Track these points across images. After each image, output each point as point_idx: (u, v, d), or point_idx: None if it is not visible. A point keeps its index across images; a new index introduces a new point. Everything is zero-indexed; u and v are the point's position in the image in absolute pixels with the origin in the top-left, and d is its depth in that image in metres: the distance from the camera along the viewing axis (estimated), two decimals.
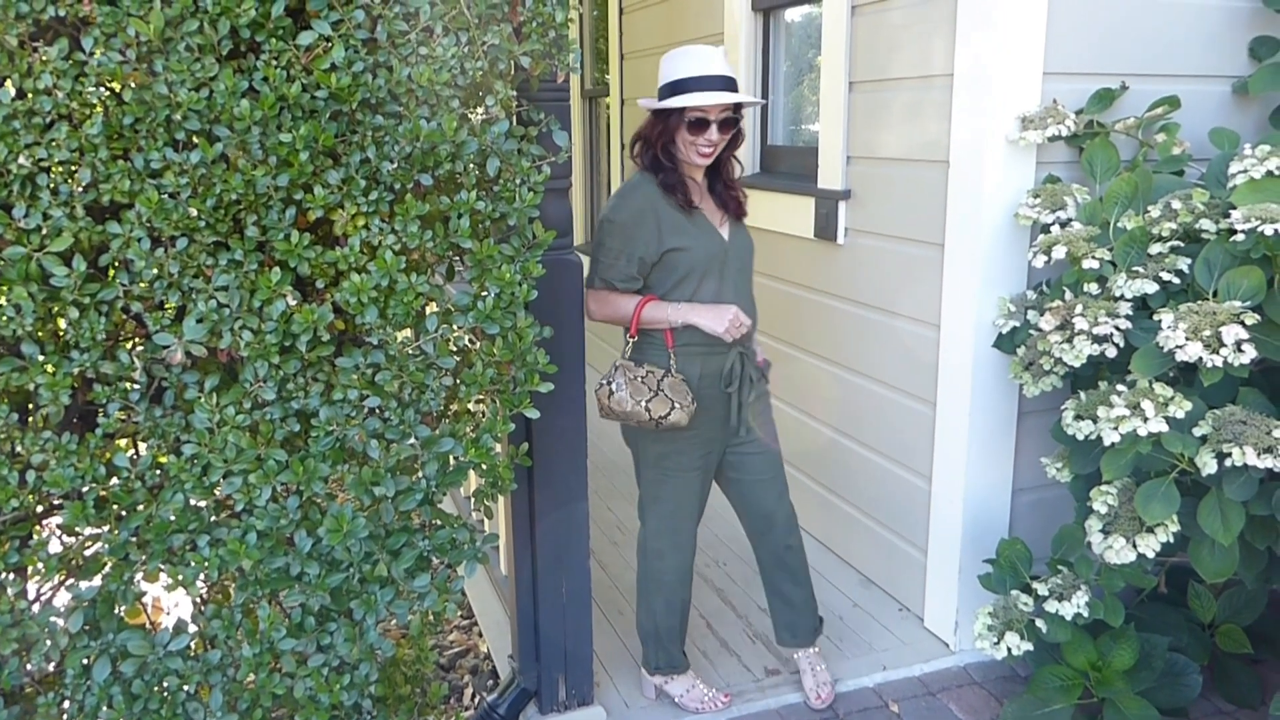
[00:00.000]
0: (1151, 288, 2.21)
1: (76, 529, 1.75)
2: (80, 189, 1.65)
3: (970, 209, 2.66)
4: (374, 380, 1.78)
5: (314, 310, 1.72)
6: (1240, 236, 2.05)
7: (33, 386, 1.66)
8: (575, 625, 2.49)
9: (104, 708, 1.73)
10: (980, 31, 2.58)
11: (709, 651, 2.95)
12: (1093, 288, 2.33)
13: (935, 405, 2.88)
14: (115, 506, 1.74)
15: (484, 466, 1.90)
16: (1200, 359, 1.97)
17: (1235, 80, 2.80)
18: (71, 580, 1.81)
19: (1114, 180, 2.45)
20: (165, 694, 1.77)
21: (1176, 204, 2.30)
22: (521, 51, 1.87)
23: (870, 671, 2.83)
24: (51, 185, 1.64)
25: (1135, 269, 2.28)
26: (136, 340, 1.82)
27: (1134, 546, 2.15)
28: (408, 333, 1.84)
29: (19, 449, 1.68)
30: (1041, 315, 2.36)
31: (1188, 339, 1.99)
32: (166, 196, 1.65)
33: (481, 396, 1.94)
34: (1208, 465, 2.01)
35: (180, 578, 1.74)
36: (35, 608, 1.79)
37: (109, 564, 1.76)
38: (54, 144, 1.62)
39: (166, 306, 1.73)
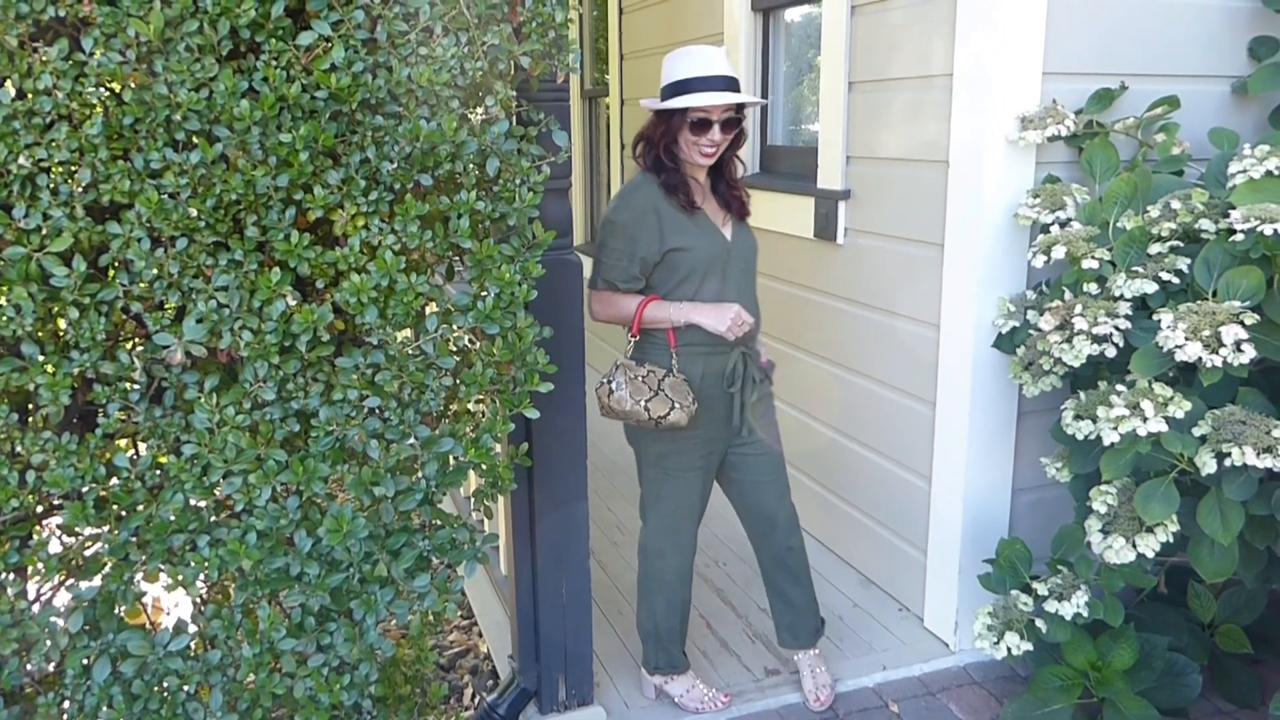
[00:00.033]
0: (1151, 288, 2.21)
1: (76, 529, 1.75)
2: (80, 189, 1.65)
3: (970, 209, 2.66)
4: (374, 380, 1.78)
5: (314, 310, 1.72)
6: (1239, 236, 2.06)
7: (33, 387, 1.66)
8: (575, 625, 2.49)
9: (104, 708, 1.73)
10: (980, 31, 2.58)
11: (709, 651, 2.95)
12: (1092, 288, 2.33)
13: (935, 405, 2.88)
14: (115, 506, 1.74)
15: (484, 466, 1.90)
16: (1200, 359, 1.97)
17: (1235, 80, 2.80)
18: (71, 580, 1.81)
19: (1113, 180, 2.45)
20: (165, 694, 1.77)
21: (1176, 204, 2.30)
22: (521, 52, 1.87)
23: (870, 671, 2.83)
24: (51, 185, 1.64)
25: (1135, 269, 2.28)
26: (136, 340, 1.82)
27: (1133, 546, 2.15)
28: (408, 333, 1.84)
29: (19, 449, 1.69)
30: (1041, 315, 2.36)
31: (1187, 339, 1.99)
32: (166, 197, 1.65)
33: (481, 396, 1.94)
34: (1207, 465, 2.01)
35: (180, 578, 1.74)
36: (35, 608, 1.79)
37: (109, 564, 1.76)
38: (54, 144, 1.62)
39: (166, 307, 1.74)
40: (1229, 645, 2.60)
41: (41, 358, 1.66)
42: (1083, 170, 2.57)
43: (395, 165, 1.77)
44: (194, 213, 1.66)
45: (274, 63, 1.66)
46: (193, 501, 1.75)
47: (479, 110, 1.86)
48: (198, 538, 1.75)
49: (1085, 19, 2.61)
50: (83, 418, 1.89)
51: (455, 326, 1.85)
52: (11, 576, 1.75)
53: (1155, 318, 2.13)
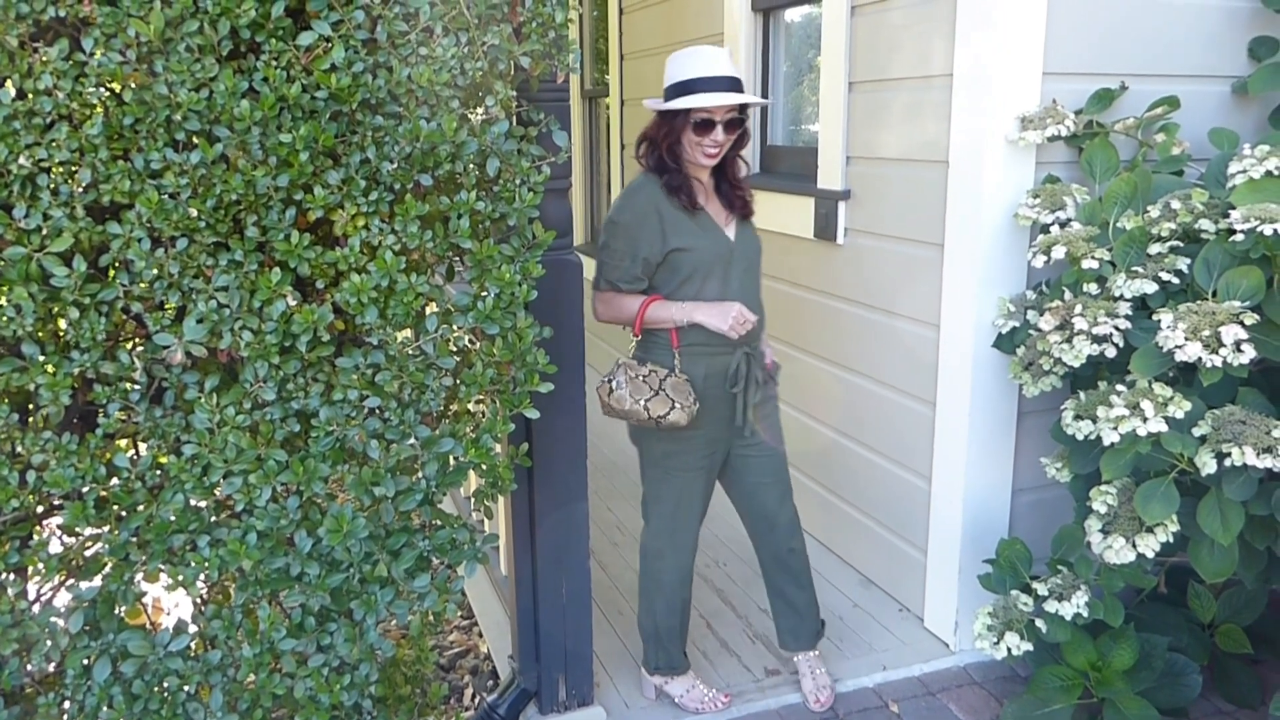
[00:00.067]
0: (1151, 288, 2.21)
1: (77, 529, 1.75)
2: (80, 189, 1.65)
3: (970, 209, 2.66)
4: (374, 380, 1.78)
5: (314, 310, 1.72)
6: (1239, 236, 2.06)
7: (33, 387, 1.66)
8: (575, 625, 2.49)
9: (104, 708, 1.73)
10: (980, 31, 2.58)
11: (709, 652, 2.95)
12: (1092, 288, 2.33)
13: (935, 405, 2.88)
14: (115, 507, 1.74)
15: (484, 467, 1.90)
16: (1199, 359, 1.98)
17: (1235, 80, 2.80)
18: (72, 580, 1.81)
19: (1113, 180, 2.45)
20: (165, 694, 1.77)
21: (1176, 204, 2.30)
22: (521, 52, 1.87)
23: (870, 671, 2.83)
24: (52, 185, 1.64)
25: (1134, 269, 2.28)
26: (137, 340, 1.82)
27: (1133, 546, 2.15)
28: (408, 333, 1.84)
29: (19, 449, 1.69)
30: (1041, 315, 2.36)
31: (1187, 339, 1.99)
32: (167, 197, 1.65)
33: (481, 397, 1.94)
34: (1207, 465, 2.01)
35: (180, 578, 1.74)
36: (35, 608, 1.79)
37: (109, 564, 1.76)
38: (54, 144, 1.62)
39: (167, 307, 1.74)
40: (1229, 645, 2.60)
41: (42, 358, 1.66)
42: (1083, 170, 2.57)
43: (395, 165, 1.77)
44: (194, 213, 1.66)
45: (274, 63, 1.66)
46: (193, 502, 1.75)
47: (479, 110, 1.86)
48: (198, 538, 1.75)
49: (1085, 19, 2.61)
50: (83, 418, 1.89)
51: (455, 327, 1.85)
52: (12, 577, 1.75)
53: (1155, 318, 2.13)
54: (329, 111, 1.72)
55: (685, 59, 2.35)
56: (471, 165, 1.85)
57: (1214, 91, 2.79)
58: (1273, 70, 2.68)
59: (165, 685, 1.77)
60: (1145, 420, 2.04)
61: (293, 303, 1.72)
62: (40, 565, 1.73)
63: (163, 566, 1.74)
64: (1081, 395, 2.30)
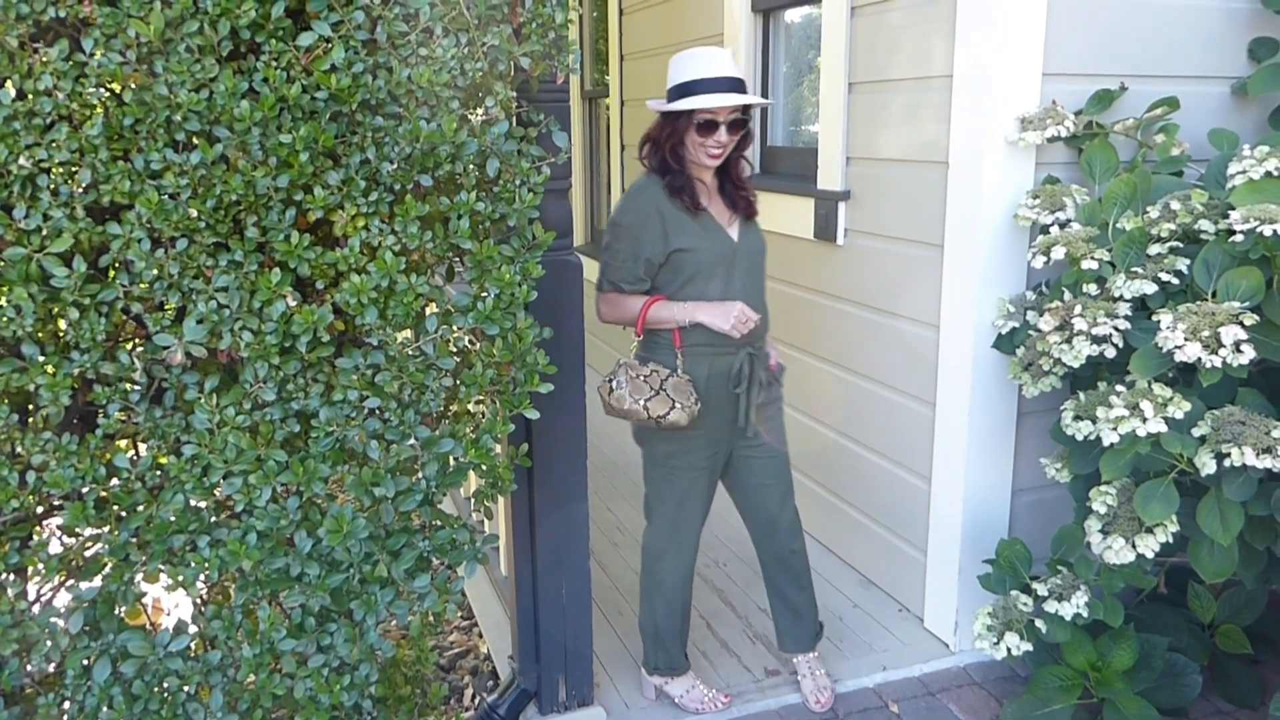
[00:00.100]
0: (1150, 288, 2.22)
1: (77, 530, 1.75)
2: (80, 190, 1.65)
3: (969, 210, 2.67)
4: (374, 381, 1.78)
5: (314, 311, 1.72)
6: (1239, 237, 2.06)
7: (33, 387, 1.66)
8: (575, 626, 2.49)
9: (104, 708, 1.73)
10: (980, 32, 2.58)
11: (709, 652, 2.95)
12: (1092, 288, 2.33)
13: (935, 406, 2.89)
14: (115, 507, 1.74)
15: (484, 467, 1.90)
16: (1199, 359, 1.98)
17: (1234, 81, 2.80)
18: (72, 581, 1.81)
19: (1113, 181, 2.45)
20: (165, 694, 1.77)
21: (1175, 205, 2.30)
22: (521, 53, 1.87)
23: (870, 672, 2.83)
24: (52, 186, 1.64)
25: (1134, 270, 2.28)
26: (136, 341, 1.82)
27: (1133, 547, 2.15)
28: (408, 333, 1.84)
29: (19, 450, 1.69)
30: (1040, 316, 2.36)
31: (1186, 339, 1.99)
32: (166, 197, 1.65)
33: (481, 397, 1.94)
34: (1207, 465, 2.01)
35: (180, 578, 1.74)
36: (35, 608, 1.79)
37: (109, 565, 1.76)
38: (54, 145, 1.62)
39: (166, 307, 1.74)
40: (1229, 645, 2.60)
41: (42, 358, 1.67)
42: (1082, 171, 2.57)
43: (395, 166, 1.77)
44: (194, 213, 1.66)
45: (274, 63, 1.66)
46: (193, 502, 1.75)
47: (479, 111, 1.86)
48: (198, 538, 1.75)
49: (1085, 20, 2.61)
50: (83, 418, 1.89)
51: (455, 327, 1.85)
52: (12, 577, 1.75)
53: (1155, 318, 2.13)
54: (329, 112, 1.72)
55: (688, 60, 2.35)
56: (471, 166, 1.86)
57: (1214, 92, 2.79)
58: (1272, 71, 2.68)
59: (165, 685, 1.77)
60: (1145, 421, 2.04)
61: (293, 303, 1.72)
62: (40, 566, 1.73)
63: (163, 567, 1.75)
64: (1081, 396, 2.30)
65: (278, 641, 1.80)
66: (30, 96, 1.61)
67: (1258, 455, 1.93)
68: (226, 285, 1.69)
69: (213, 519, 1.79)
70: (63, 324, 1.68)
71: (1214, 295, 2.12)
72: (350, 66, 1.69)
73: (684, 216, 2.37)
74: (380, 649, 1.86)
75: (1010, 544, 2.55)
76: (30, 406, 1.80)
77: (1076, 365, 2.24)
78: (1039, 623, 2.37)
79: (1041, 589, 2.39)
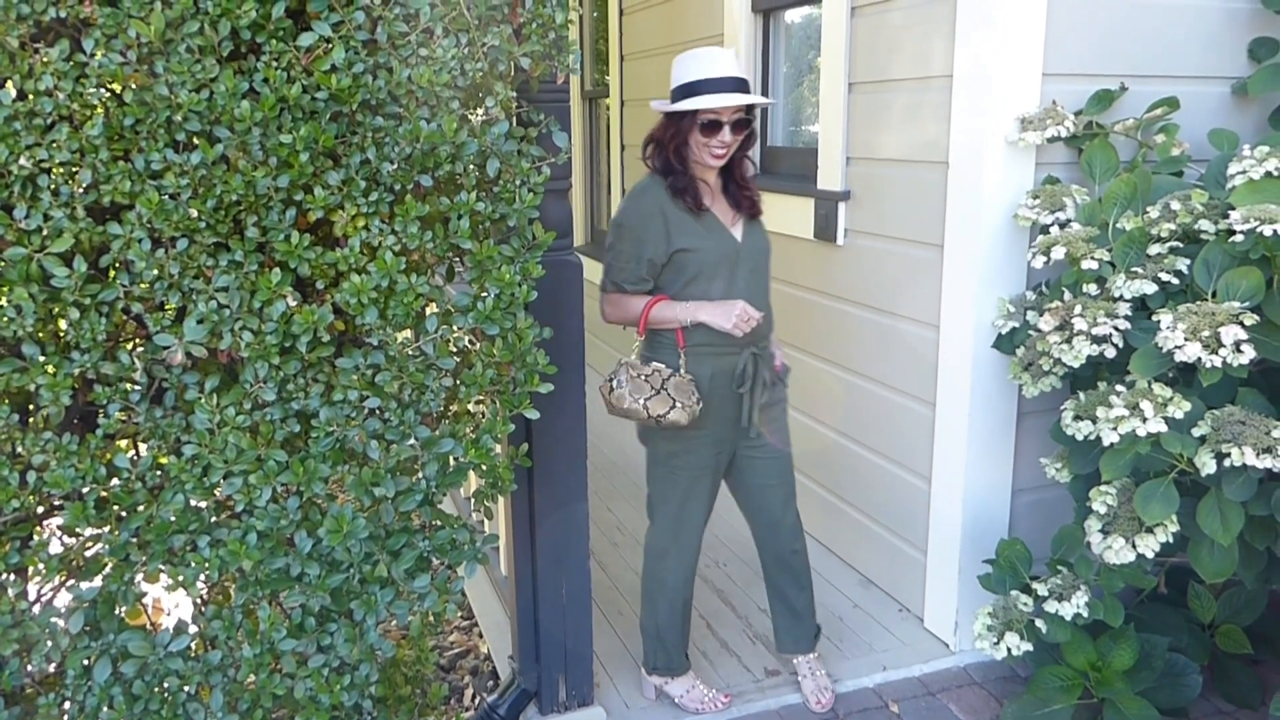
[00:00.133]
0: (1150, 288, 2.22)
1: (77, 530, 1.75)
2: (81, 190, 1.65)
3: (969, 210, 2.67)
4: (374, 381, 1.78)
5: (314, 311, 1.72)
6: (1239, 237, 2.06)
7: (33, 387, 1.66)
8: (575, 626, 2.49)
9: (104, 708, 1.73)
10: (980, 32, 2.58)
11: (709, 652, 2.95)
12: (1092, 288, 2.33)
13: (935, 406, 2.89)
14: (116, 507, 1.74)
15: (484, 467, 1.90)
16: (1199, 359, 1.98)
17: (1234, 81, 2.80)
18: (72, 581, 1.81)
19: (1113, 181, 2.45)
20: (166, 694, 1.78)
21: (1175, 205, 2.30)
22: (521, 53, 1.88)
23: (870, 672, 2.83)
24: (52, 186, 1.64)
25: (1134, 269, 2.28)
26: (137, 341, 1.82)
27: (1133, 547, 2.15)
28: (408, 333, 1.84)
29: (20, 450, 1.69)
30: (1040, 316, 2.36)
31: (1186, 339, 1.99)
32: (167, 197, 1.65)
33: (481, 397, 1.94)
34: (1207, 465, 2.01)
35: (181, 578, 1.74)
36: (36, 608, 1.79)
37: (109, 565, 1.76)
38: (55, 145, 1.62)
39: (167, 307, 1.74)
40: (1229, 646, 2.60)
41: (42, 358, 1.67)
42: (1082, 171, 2.57)
43: (395, 166, 1.77)
44: (194, 213, 1.66)
45: (274, 64, 1.66)
46: (193, 502, 1.75)
47: (479, 111, 1.86)
48: (198, 538, 1.75)
49: (1085, 20, 2.61)
50: (83, 418, 1.89)
51: (455, 327, 1.86)
52: (12, 577, 1.75)
53: (1155, 318, 2.13)
54: (329, 112, 1.72)
55: (692, 60, 2.35)
56: (471, 166, 1.86)
57: (1214, 92, 2.79)
58: (1272, 71, 2.68)
59: (165, 686, 1.77)
60: (1145, 420, 2.04)
61: (293, 303, 1.72)
62: (41, 566, 1.73)
63: (163, 567, 1.75)
64: (1081, 396, 2.30)
65: (278, 641, 1.80)
66: (31, 97, 1.61)
67: (1258, 455, 1.93)
68: (227, 285, 1.70)
69: (213, 519, 1.79)
70: (63, 324, 1.68)
71: (1214, 295, 2.12)
72: (350, 67, 1.69)
73: (687, 217, 2.37)
74: (380, 649, 1.86)
75: (1010, 544, 2.55)
76: (31, 406, 1.80)
77: (1076, 365, 2.24)
78: (1039, 623, 2.37)
79: (1041, 589, 2.39)
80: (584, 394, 2.35)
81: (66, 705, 1.76)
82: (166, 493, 1.73)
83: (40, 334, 1.70)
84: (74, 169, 1.65)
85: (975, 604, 2.79)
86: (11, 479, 1.67)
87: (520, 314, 1.89)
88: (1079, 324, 2.22)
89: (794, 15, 3.78)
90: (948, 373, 2.82)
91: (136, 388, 1.74)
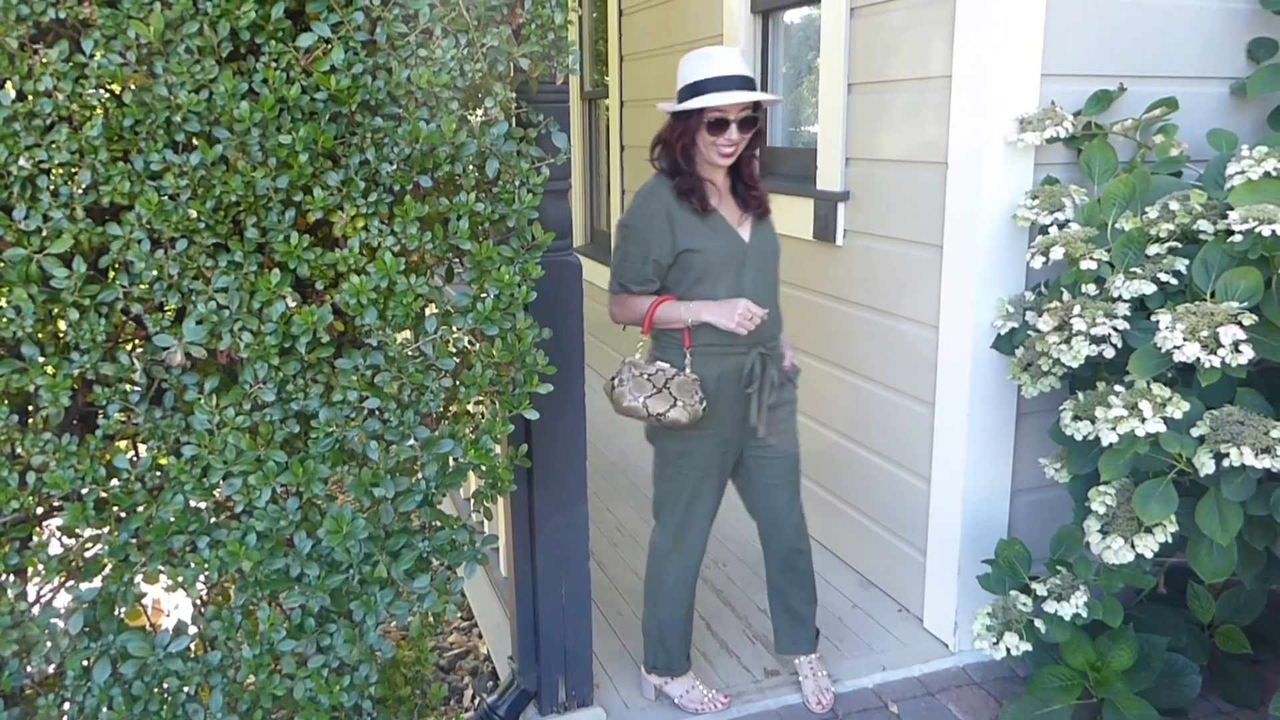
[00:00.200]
0: (1149, 288, 2.22)
1: (76, 530, 1.75)
2: (80, 191, 1.65)
3: (969, 210, 2.67)
4: (373, 382, 1.78)
5: (313, 312, 1.72)
6: (1238, 237, 2.06)
7: (33, 388, 1.66)
8: (575, 626, 2.49)
9: (104, 709, 1.73)
10: (979, 33, 2.58)
11: (709, 652, 2.95)
12: (1090, 288, 2.33)
13: (934, 406, 2.89)
14: (115, 508, 1.74)
15: (483, 468, 1.90)
16: (1198, 359, 1.98)
17: (1233, 82, 2.81)
18: (71, 582, 1.81)
19: (1112, 181, 2.45)
20: (165, 695, 1.77)
21: (1174, 205, 2.30)
22: (521, 53, 1.88)
23: (870, 672, 2.83)
24: (52, 187, 1.64)
25: (1133, 270, 2.28)
26: (136, 342, 1.82)
27: (1132, 547, 2.15)
28: (407, 334, 1.84)
29: (19, 450, 1.69)
30: (1039, 316, 2.37)
31: (1185, 339, 2.00)
32: (166, 198, 1.65)
33: (481, 398, 1.94)
34: (1206, 465, 2.01)
35: (180, 579, 1.74)
36: (35, 609, 1.79)
37: (109, 565, 1.76)
38: (54, 146, 1.62)
39: (166, 308, 1.74)
40: (1228, 646, 2.60)
41: (42, 359, 1.67)
42: (1081, 171, 2.57)
43: (395, 167, 1.77)
44: (194, 214, 1.66)
45: (274, 64, 1.66)
46: (193, 503, 1.75)
47: (478, 112, 1.86)
48: (198, 539, 1.75)
49: (1084, 20, 2.61)
50: (83, 419, 1.89)
51: (455, 328, 1.86)
52: (12, 578, 1.75)
53: (1153, 318, 2.13)
54: (328, 113, 1.72)
55: (698, 60, 2.35)
56: (471, 167, 1.86)
57: (1212, 93, 2.80)
58: (1271, 71, 2.69)
59: (165, 686, 1.77)
60: (1144, 421, 2.04)
61: (292, 304, 1.72)
62: (40, 566, 1.73)
63: (162, 568, 1.75)
64: (1080, 396, 2.30)
65: (277, 642, 1.80)
66: (30, 98, 1.61)
67: (1256, 455, 1.94)
68: (226, 286, 1.70)
69: (212, 520, 1.79)
70: (62, 325, 1.68)
71: (1213, 295, 2.12)
72: (350, 67, 1.69)
73: (693, 218, 2.37)
74: (380, 650, 1.86)
75: (1009, 544, 2.55)
76: (30, 407, 1.80)
77: (1075, 365, 2.24)
78: (1038, 623, 2.37)
79: (1041, 589, 2.40)
80: (584, 395, 2.35)
81: (66, 706, 1.76)
82: (166, 493, 1.73)
83: (40, 335, 1.70)
84: (73, 170, 1.65)
85: (974, 604, 2.79)
86: (11, 480, 1.67)
87: (520, 315, 1.89)
88: (1078, 324, 2.23)
89: (793, 16, 3.79)
90: (947, 373, 2.82)
91: (136, 388, 1.74)
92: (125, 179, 1.64)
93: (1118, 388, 2.19)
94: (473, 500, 2.12)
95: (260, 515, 1.74)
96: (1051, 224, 2.49)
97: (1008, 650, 2.36)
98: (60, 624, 1.75)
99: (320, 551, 1.80)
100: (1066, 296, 2.38)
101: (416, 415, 1.82)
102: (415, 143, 1.75)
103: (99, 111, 1.64)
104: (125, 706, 1.73)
